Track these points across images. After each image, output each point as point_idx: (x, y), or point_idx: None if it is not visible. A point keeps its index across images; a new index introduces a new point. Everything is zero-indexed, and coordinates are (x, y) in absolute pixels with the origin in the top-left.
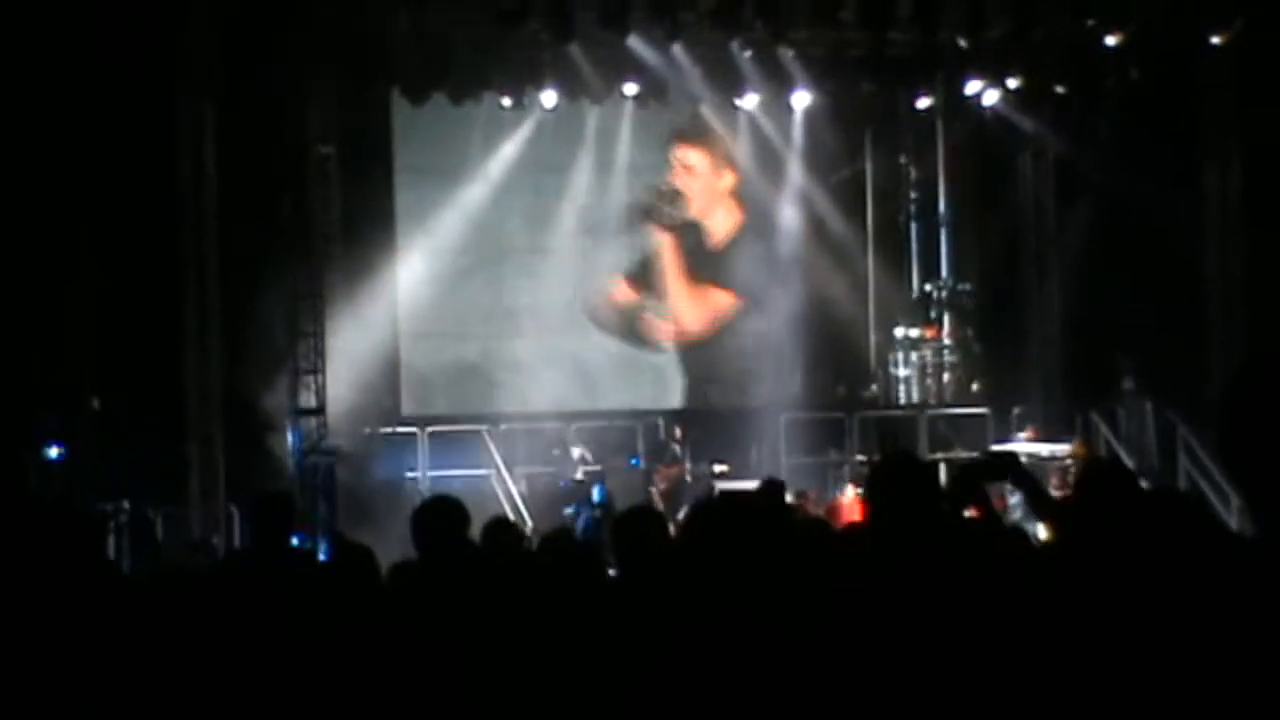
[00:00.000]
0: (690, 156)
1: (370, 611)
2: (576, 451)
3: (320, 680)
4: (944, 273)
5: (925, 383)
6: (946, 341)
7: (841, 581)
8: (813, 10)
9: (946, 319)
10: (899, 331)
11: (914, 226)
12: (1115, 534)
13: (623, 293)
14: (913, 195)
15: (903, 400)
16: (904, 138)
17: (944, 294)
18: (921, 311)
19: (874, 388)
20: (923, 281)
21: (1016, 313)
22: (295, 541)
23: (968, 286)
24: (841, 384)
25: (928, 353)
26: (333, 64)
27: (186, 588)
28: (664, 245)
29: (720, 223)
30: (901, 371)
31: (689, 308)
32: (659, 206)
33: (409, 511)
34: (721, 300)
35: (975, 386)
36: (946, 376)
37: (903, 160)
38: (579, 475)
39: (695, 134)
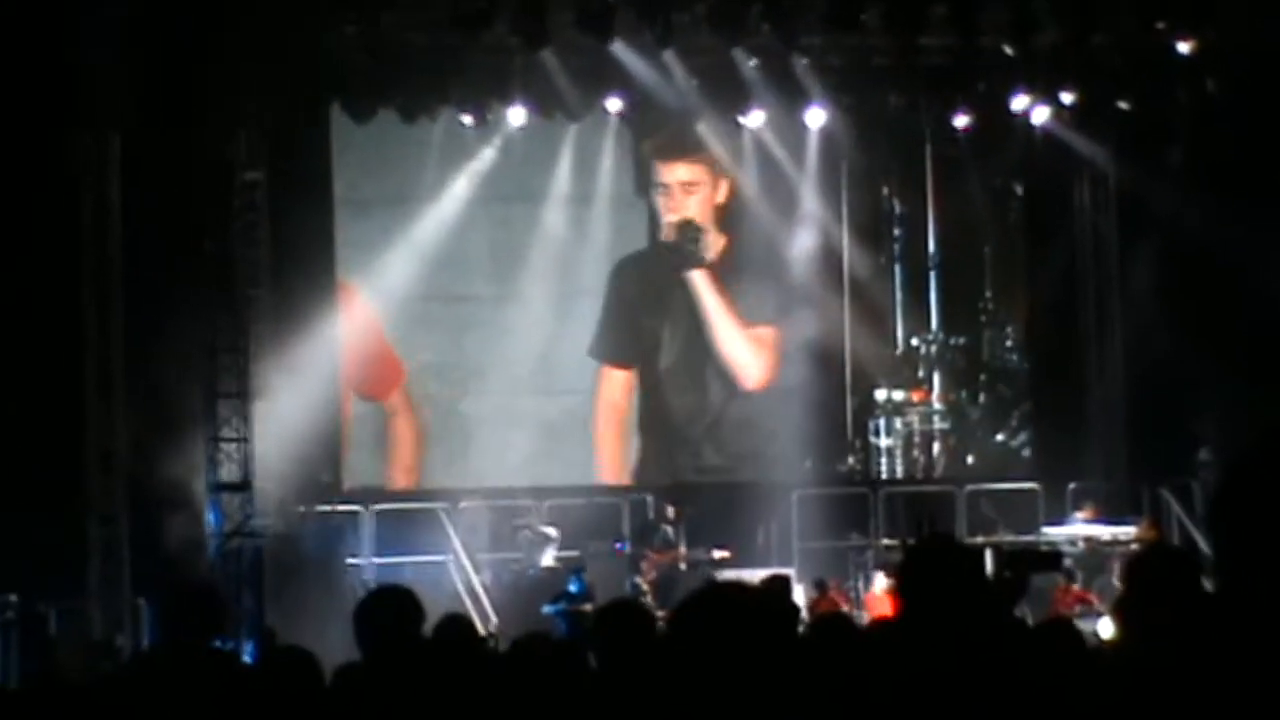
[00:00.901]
0: (681, 172)
1: None
2: (551, 531)
3: None
4: (934, 325)
5: (912, 454)
6: (937, 406)
7: (866, 689)
8: (830, 13)
9: (936, 379)
10: (880, 394)
11: (898, 269)
12: (1171, 639)
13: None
14: (896, 232)
15: (884, 474)
16: (888, 161)
17: (933, 349)
18: (908, 371)
19: (851, 460)
20: (908, 336)
21: (1072, 370)
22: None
23: (961, 340)
24: (809, 457)
25: (914, 418)
26: (263, 77)
27: (85, 701)
28: (701, 286)
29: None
30: (883, 441)
31: (747, 354)
32: (683, 246)
33: (350, 606)
34: (766, 336)
35: (970, 460)
36: (936, 447)
37: (885, 191)
38: (550, 561)
39: (679, 148)
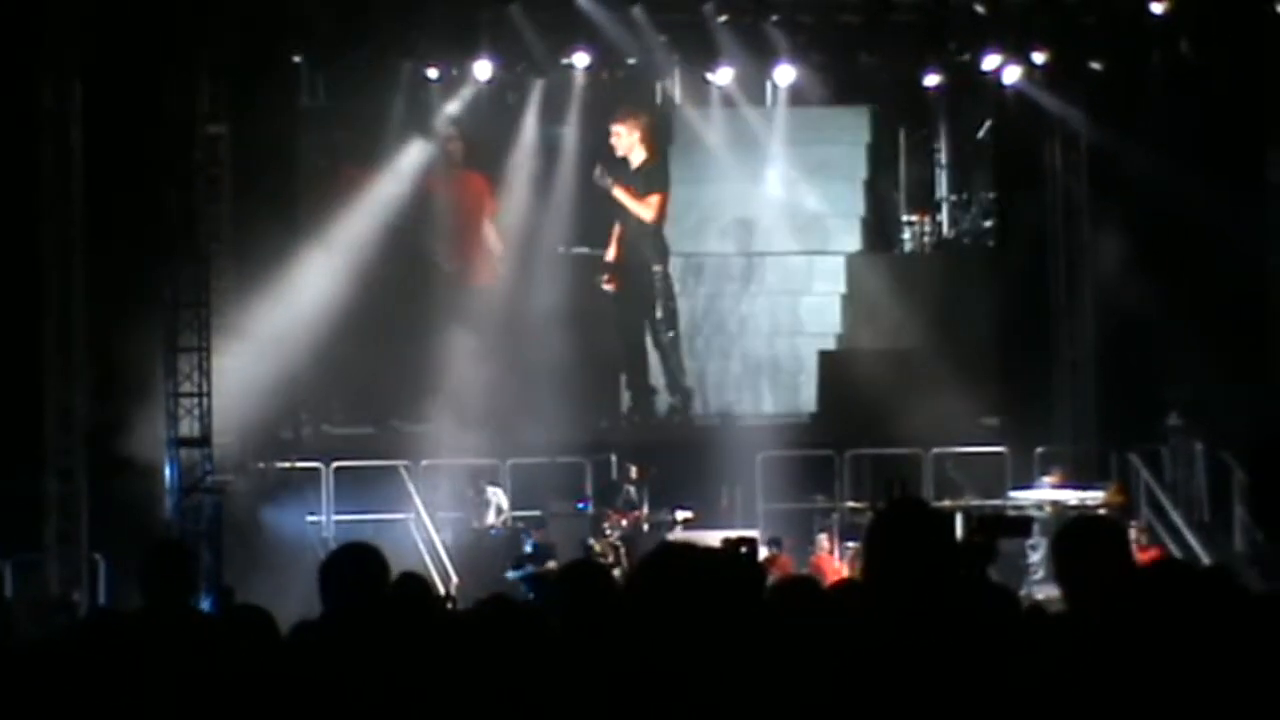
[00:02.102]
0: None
1: (270, 679)
2: (491, 493)
3: None
4: None
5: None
6: None
7: (831, 653)
8: None
9: None
10: None
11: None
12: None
13: None
14: None
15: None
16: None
17: None
18: None
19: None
20: None
21: (1041, 333)
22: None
23: None
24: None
25: None
26: (226, 28)
27: (39, 660)
28: (618, 194)
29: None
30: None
31: (643, 210)
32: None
33: (309, 563)
34: (654, 200)
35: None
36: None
37: None
38: (493, 520)
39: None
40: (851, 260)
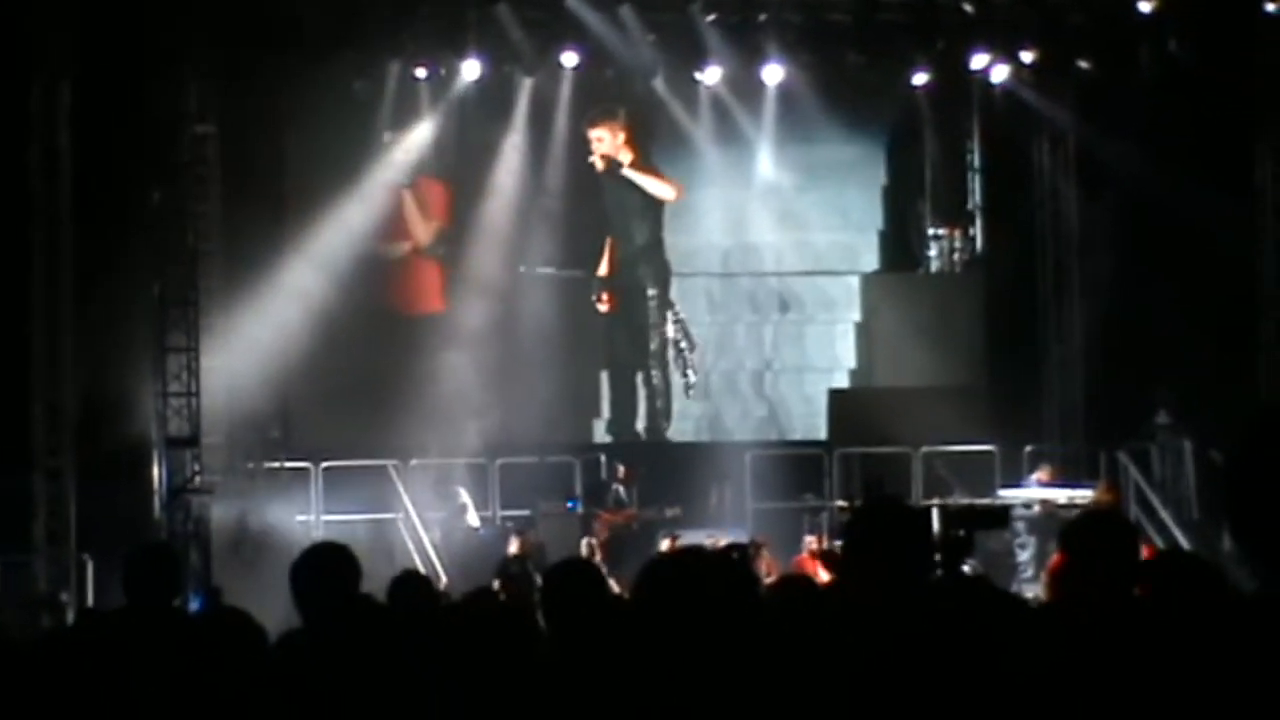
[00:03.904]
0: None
1: (253, 680)
2: (461, 495)
3: None
4: None
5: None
6: None
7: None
8: None
9: None
10: None
11: None
12: (1108, 601)
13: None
14: None
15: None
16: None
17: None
18: None
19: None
20: None
21: (1029, 331)
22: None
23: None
24: None
25: None
26: (215, 29)
27: (24, 660)
28: (632, 174)
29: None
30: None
31: (663, 188)
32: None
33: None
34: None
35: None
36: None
37: None
38: (474, 522)
39: (601, 116)
40: (868, 282)
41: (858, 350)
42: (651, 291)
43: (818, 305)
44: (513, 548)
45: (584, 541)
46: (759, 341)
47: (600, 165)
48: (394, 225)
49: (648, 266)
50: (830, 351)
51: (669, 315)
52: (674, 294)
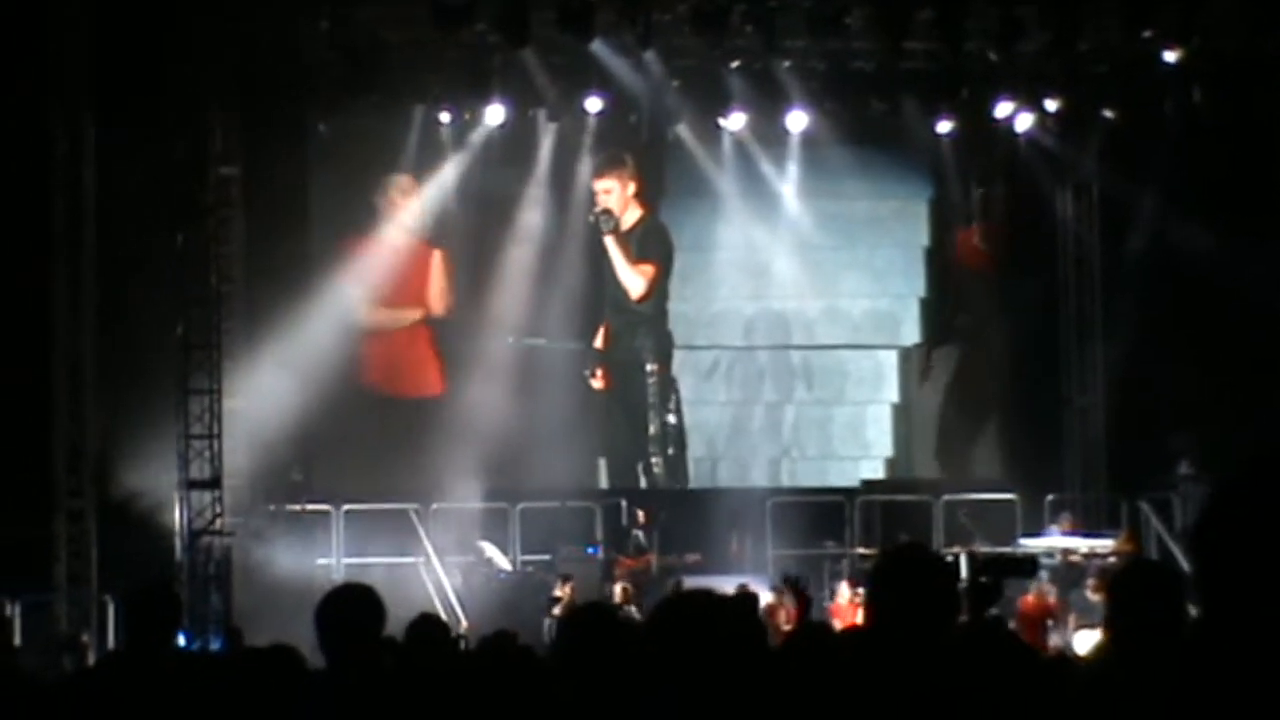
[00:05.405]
0: (601, 184)
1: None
2: (486, 550)
3: None
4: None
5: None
6: None
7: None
8: (813, 16)
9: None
10: None
11: None
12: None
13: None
14: None
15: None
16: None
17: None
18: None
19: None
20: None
21: (1051, 380)
22: (181, 641)
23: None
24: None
25: None
26: (240, 71)
27: (45, 703)
28: (611, 244)
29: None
30: None
31: (632, 278)
32: (598, 223)
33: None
34: (648, 270)
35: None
36: None
37: None
38: (504, 565)
39: (601, 170)
40: (907, 356)
41: (894, 435)
42: (650, 367)
43: (849, 381)
44: (558, 591)
45: (617, 587)
46: (794, 424)
47: (598, 213)
48: (407, 287)
49: (646, 338)
50: (861, 437)
51: (671, 399)
52: (678, 367)
